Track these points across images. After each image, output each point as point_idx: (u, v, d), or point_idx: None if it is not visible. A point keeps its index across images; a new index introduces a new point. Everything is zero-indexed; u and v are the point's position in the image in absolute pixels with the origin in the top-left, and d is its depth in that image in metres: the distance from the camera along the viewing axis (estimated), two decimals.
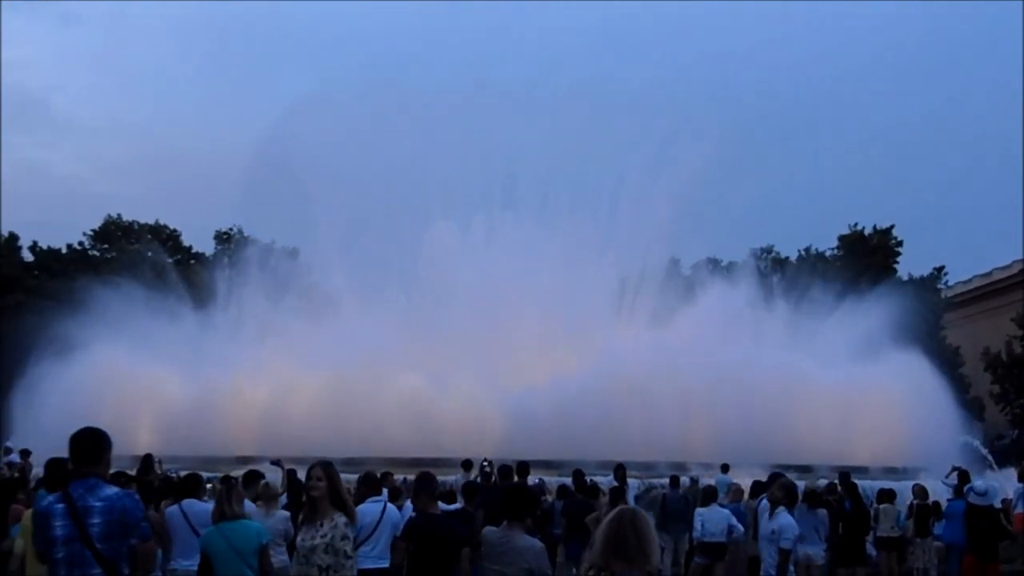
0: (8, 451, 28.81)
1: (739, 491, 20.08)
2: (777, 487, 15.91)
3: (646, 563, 5.69)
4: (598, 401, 34.22)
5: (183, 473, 15.93)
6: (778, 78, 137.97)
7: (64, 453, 7.81)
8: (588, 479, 20.32)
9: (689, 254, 67.06)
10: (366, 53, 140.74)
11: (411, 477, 16.23)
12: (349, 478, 14.30)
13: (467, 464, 23.46)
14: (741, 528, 18.13)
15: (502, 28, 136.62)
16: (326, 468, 8.34)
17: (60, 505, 6.62)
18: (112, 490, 6.69)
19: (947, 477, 22.58)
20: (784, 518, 13.62)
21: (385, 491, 13.09)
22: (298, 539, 8.27)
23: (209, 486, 15.09)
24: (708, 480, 23.19)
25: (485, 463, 21.02)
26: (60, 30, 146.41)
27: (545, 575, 8.01)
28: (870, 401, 37.23)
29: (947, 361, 55.26)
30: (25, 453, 27.66)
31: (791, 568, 17.21)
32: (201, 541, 9.37)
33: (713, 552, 17.58)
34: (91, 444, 6.83)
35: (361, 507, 11.58)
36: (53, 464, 16.05)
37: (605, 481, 22.22)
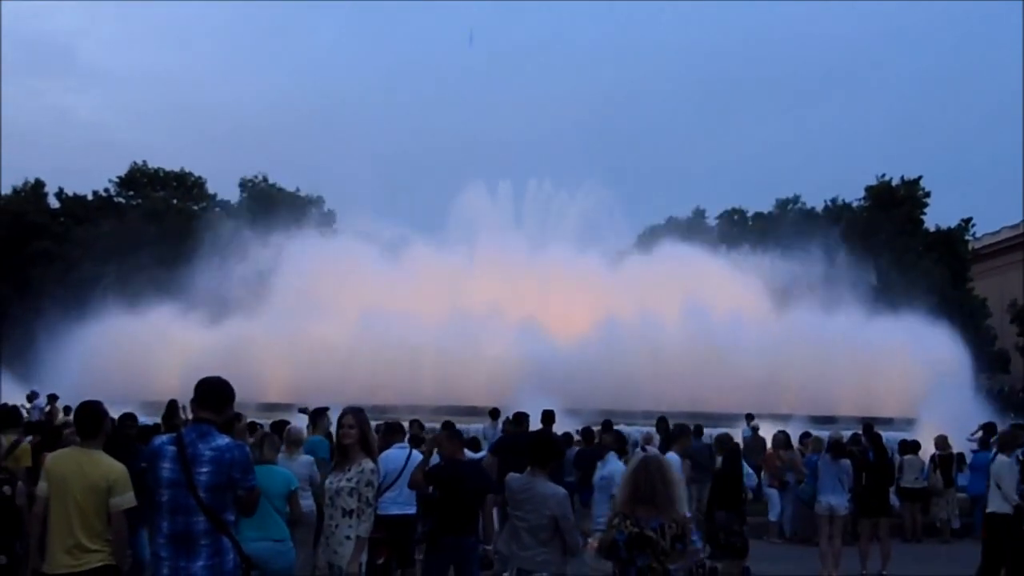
0: (35, 395, 28.98)
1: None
2: (608, 433, 16.68)
3: (672, 510, 5.69)
4: (627, 353, 34.44)
5: None
6: (806, 30, 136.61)
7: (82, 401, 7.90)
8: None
9: (714, 204, 67.05)
10: (392, 2, 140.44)
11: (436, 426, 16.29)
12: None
13: (495, 413, 23.46)
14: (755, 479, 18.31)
15: None
16: (357, 415, 8.34)
17: (171, 447, 6.60)
18: (224, 440, 6.65)
19: (972, 435, 22.49)
20: (614, 464, 13.58)
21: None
22: (327, 482, 8.32)
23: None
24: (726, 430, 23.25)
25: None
26: None
27: (568, 520, 8.03)
28: (891, 354, 37.24)
29: (974, 313, 55.00)
30: (52, 398, 27.89)
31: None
32: None
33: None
34: (212, 392, 6.81)
35: (386, 453, 11.64)
36: (170, 406, 16.23)
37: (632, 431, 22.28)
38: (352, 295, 39.33)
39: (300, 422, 15.74)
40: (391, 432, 12.73)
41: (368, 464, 8.03)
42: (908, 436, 23.49)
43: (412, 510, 11.67)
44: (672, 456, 13.64)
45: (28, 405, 27.22)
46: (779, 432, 21.99)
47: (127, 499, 7.42)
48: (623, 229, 46.69)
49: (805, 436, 22.48)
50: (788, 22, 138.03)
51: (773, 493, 21.04)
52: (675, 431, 15.00)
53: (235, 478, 6.68)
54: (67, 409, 24.89)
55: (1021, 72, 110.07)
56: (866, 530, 16.87)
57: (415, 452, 11.96)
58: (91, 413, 7.86)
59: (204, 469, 6.52)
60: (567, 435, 19.27)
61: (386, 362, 34.82)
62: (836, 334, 38.16)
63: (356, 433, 8.16)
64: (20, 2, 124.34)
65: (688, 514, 6.18)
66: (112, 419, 9.43)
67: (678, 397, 31.93)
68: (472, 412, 28.10)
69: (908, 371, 36.14)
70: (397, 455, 11.81)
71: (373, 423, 8.74)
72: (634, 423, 25.64)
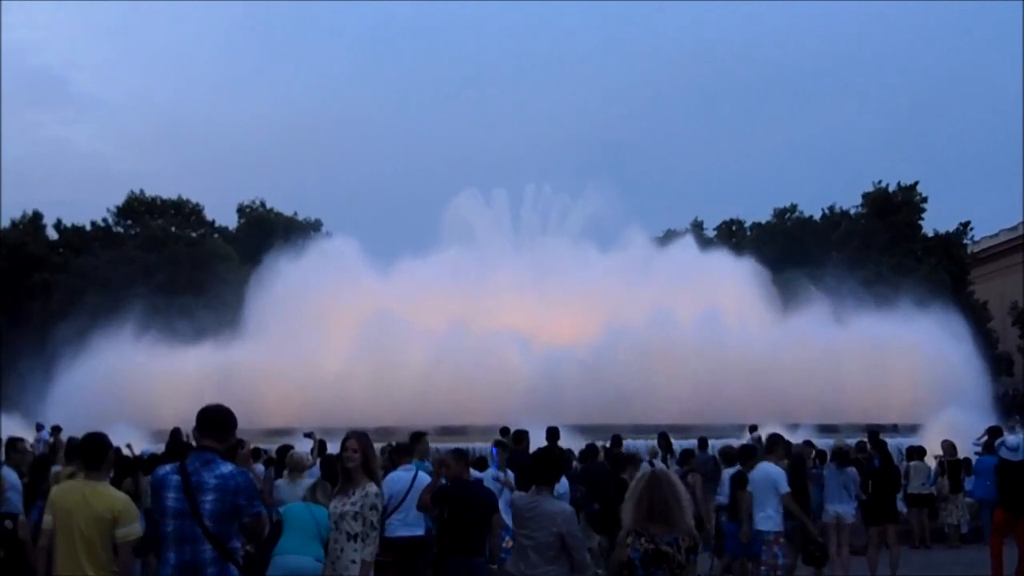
0: (41, 427, 29.03)
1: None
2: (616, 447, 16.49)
3: (683, 523, 5.69)
4: (626, 364, 34.39)
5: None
6: (800, 38, 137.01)
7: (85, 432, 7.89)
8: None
9: (712, 215, 67.17)
10: (386, 28, 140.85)
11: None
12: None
13: (505, 431, 23.42)
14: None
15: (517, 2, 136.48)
16: (360, 439, 8.34)
17: (176, 477, 6.60)
18: (227, 467, 6.65)
19: (978, 439, 22.44)
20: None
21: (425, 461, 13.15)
22: (331, 506, 8.31)
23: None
24: (729, 441, 23.21)
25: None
26: (81, 7, 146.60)
27: (576, 538, 8.01)
28: (896, 359, 37.24)
29: (975, 317, 54.95)
30: (56, 429, 27.87)
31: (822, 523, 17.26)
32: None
33: None
34: (214, 420, 6.82)
35: (391, 475, 11.61)
36: (173, 434, 16.19)
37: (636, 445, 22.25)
38: (351, 315, 39.31)
39: (304, 447, 15.73)
40: (400, 453, 12.70)
41: (372, 488, 8.02)
42: (914, 442, 23.47)
43: (420, 532, 11.64)
44: (771, 467, 13.88)
45: (34, 437, 27.24)
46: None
47: (133, 530, 7.41)
48: (627, 236, 46.49)
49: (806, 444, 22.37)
50: (782, 30, 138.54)
51: None
52: (771, 440, 14.92)
53: (240, 504, 6.67)
54: (71, 441, 24.83)
55: (1020, 75, 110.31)
56: (874, 537, 16.83)
57: (421, 473, 11.92)
58: (95, 445, 7.85)
59: (209, 497, 6.52)
60: (567, 452, 19.25)
61: (388, 383, 34.79)
62: (840, 342, 38.19)
63: (359, 457, 8.15)
64: (13, 36, 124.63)
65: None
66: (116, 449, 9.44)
67: (682, 409, 31.93)
68: (480, 432, 28.13)
69: (914, 377, 36.13)
70: (402, 476, 11.78)
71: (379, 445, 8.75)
72: (639, 437, 25.65)
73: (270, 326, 41.08)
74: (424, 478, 11.71)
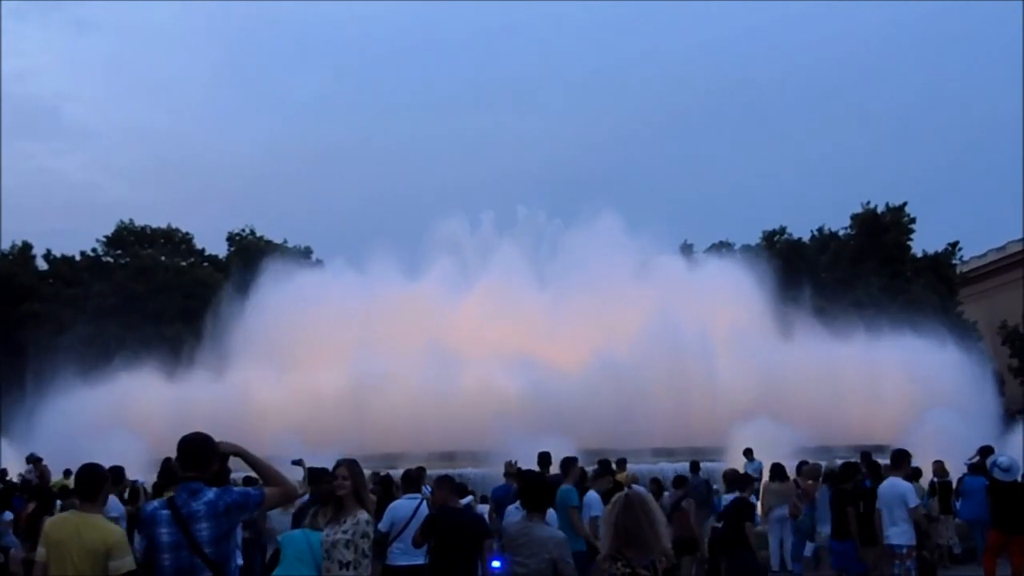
0: (39, 460, 28.76)
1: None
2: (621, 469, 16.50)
3: (659, 545, 5.70)
4: (617, 388, 34.39)
5: None
6: (785, 60, 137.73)
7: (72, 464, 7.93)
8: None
9: (701, 238, 67.33)
10: (373, 54, 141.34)
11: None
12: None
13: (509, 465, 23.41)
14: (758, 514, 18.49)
15: (502, 27, 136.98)
16: (350, 466, 8.38)
17: (165, 512, 6.59)
18: (211, 493, 6.65)
19: (970, 459, 22.47)
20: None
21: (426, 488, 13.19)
22: (323, 535, 8.33)
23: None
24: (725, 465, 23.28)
25: (512, 463, 20.89)
26: (72, 37, 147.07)
27: (568, 564, 8.02)
28: (887, 382, 37.37)
29: (965, 337, 55.04)
30: (34, 460, 27.70)
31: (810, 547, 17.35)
32: None
33: None
34: (194, 450, 6.79)
35: (396, 503, 11.63)
36: (164, 464, 16.11)
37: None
38: (342, 341, 39.32)
39: (295, 475, 15.66)
40: (408, 483, 12.74)
41: (363, 515, 8.04)
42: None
43: (420, 560, 11.61)
44: (899, 482, 14.35)
45: (25, 469, 27.09)
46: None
47: (126, 563, 7.44)
48: (620, 256, 46.49)
49: (803, 464, 22.37)
50: (769, 53, 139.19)
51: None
52: (896, 455, 15.11)
53: (237, 519, 6.74)
54: (67, 472, 24.86)
55: (1010, 97, 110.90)
56: (867, 558, 16.84)
57: (424, 504, 11.91)
58: (90, 476, 7.92)
59: (203, 525, 6.53)
60: (557, 476, 19.25)
61: (381, 408, 34.79)
62: (832, 363, 38.29)
63: (349, 484, 8.18)
64: (4, 65, 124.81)
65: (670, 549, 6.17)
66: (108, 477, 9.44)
67: (671, 431, 31.99)
68: (472, 457, 28.17)
69: (903, 398, 36.17)
70: (406, 505, 11.79)
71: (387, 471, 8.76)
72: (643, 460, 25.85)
73: (260, 354, 41.01)
74: (426, 508, 11.72)
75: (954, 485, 22.29)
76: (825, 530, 16.22)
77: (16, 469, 28.37)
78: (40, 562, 7.67)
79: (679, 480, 19.22)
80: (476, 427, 31.04)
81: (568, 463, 15.22)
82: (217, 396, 37.35)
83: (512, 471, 17.79)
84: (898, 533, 13.88)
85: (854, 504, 16.33)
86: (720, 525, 16.53)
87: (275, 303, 43.82)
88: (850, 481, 16.64)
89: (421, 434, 32.53)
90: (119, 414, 36.18)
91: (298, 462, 17.19)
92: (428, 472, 17.63)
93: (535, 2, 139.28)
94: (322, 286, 46.06)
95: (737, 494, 16.19)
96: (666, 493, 19.09)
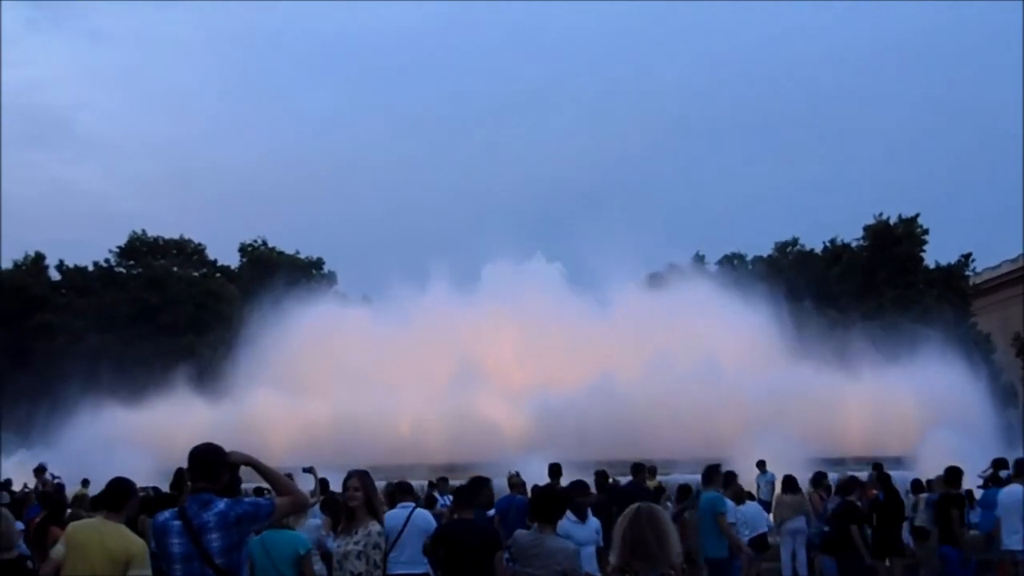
0: (42, 471, 28.85)
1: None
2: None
3: (667, 560, 5.67)
4: (633, 404, 34.53)
5: None
6: (798, 70, 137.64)
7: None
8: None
9: (713, 249, 67.28)
10: (385, 66, 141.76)
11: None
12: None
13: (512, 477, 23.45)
14: (771, 524, 18.56)
15: (514, 38, 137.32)
16: (362, 477, 8.38)
17: (176, 522, 6.56)
18: (223, 503, 6.60)
19: (983, 472, 22.36)
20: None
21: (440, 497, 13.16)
22: (335, 545, 8.33)
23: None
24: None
25: (515, 473, 20.86)
26: (85, 48, 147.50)
27: (579, 574, 8.00)
28: (899, 392, 37.37)
29: (978, 348, 54.91)
30: (40, 470, 27.80)
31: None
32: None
33: (758, 545, 17.75)
34: (204, 461, 6.76)
35: (389, 512, 11.59)
36: (177, 474, 16.13)
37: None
38: (352, 360, 39.54)
39: (306, 483, 15.61)
40: (401, 492, 12.72)
41: (375, 527, 8.05)
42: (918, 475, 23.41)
43: (420, 569, 11.56)
44: (1020, 488, 14.29)
45: (36, 480, 27.17)
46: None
47: (143, 574, 7.50)
48: (623, 274, 46.48)
49: (821, 476, 22.24)
50: (780, 65, 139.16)
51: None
52: (1020, 464, 15.29)
53: (248, 530, 6.71)
54: (85, 482, 25.01)
55: (1021, 106, 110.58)
56: (881, 571, 16.80)
57: (418, 511, 11.87)
58: (119, 489, 8.16)
59: (214, 535, 6.49)
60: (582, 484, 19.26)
61: (388, 423, 34.98)
62: (843, 378, 38.33)
63: (361, 496, 8.18)
64: (17, 75, 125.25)
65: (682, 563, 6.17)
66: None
67: (687, 443, 31.95)
68: (481, 469, 28.10)
69: (915, 411, 36.14)
70: (399, 514, 11.72)
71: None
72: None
73: (277, 370, 41.24)
74: (419, 515, 11.66)
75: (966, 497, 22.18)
76: None
77: (29, 479, 28.42)
78: (55, 559, 7.81)
79: (683, 491, 19.21)
80: (485, 444, 31.23)
81: (711, 470, 15.59)
82: (226, 409, 37.59)
83: (516, 482, 17.79)
84: (1018, 540, 14.03)
85: (863, 520, 16.39)
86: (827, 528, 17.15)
87: (295, 330, 43.97)
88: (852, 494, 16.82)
89: (431, 449, 32.76)
90: (138, 432, 36.33)
91: (309, 470, 17.13)
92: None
93: (548, 13, 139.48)
94: (340, 315, 46.37)
95: (749, 502, 16.22)
96: (668, 504, 19.17)
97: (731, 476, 16.70)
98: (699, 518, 15.13)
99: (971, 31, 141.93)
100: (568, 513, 10.84)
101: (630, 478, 18.50)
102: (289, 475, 14.40)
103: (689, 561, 17.48)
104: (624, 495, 15.29)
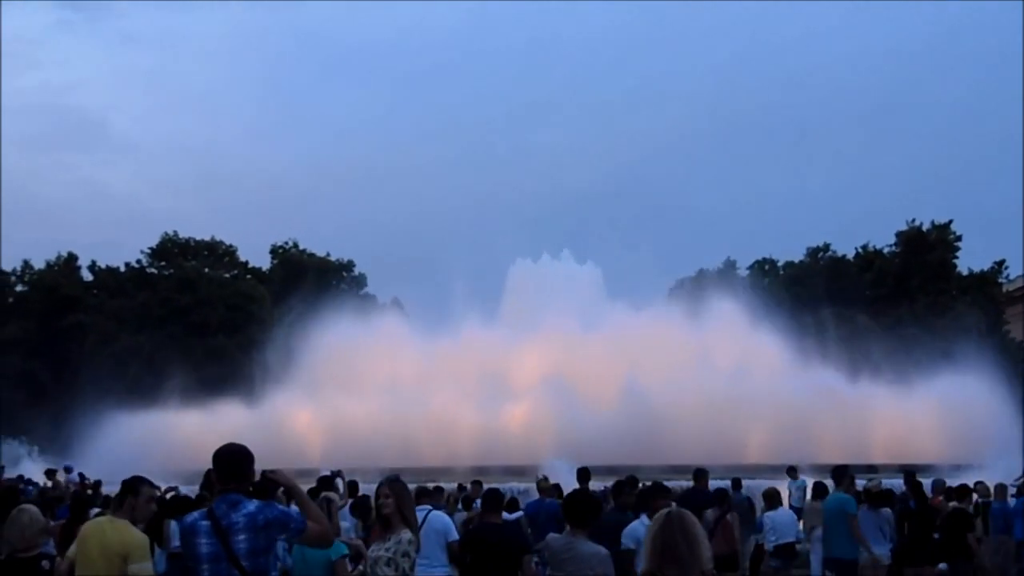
0: (68, 470, 28.97)
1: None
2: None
3: (697, 566, 5.65)
4: (661, 409, 34.53)
5: None
6: (830, 75, 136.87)
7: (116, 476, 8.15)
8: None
9: (745, 255, 66.97)
10: (417, 68, 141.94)
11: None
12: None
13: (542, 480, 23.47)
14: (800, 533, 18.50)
15: (539, 44, 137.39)
16: (393, 485, 8.39)
17: (205, 522, 6.56)
18: (253, 505, 6.61)
19: (1016, 480, 22.17)
20: None
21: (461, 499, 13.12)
22: (370, 550, 8.36)
23: None
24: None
25: (544, 477, 20.83)
26: (118, 50, 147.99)
27: None
28: (930, 399, 37.22)
29: (1011, 357, 54.47)
30: (50, 473, 27.93)
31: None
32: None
33: (786, 554, 17.66)
34: (231, 461, 6.76)
35: None
36: (207, 476, 16.23)
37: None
38: (383, 366, 39.82)
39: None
40: (420, 495, 12.74)
41: (406, 535, 8.06)
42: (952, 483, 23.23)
43: (439, 572, 11.47)
44: None
45: (64, 479, 27.34)
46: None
47: (144, 568, 7.66)
48: (651, 284, 46.51)
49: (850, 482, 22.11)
50: (813, 69, 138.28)
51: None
52: None
53: (275, 537, 6.67)
54: (98, 483, 25.14)
55: None
56: None
57: (433, 512, 11.80)
58: (122, 486, 8.33)
59: (241, 537, 6.48)
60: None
61: (421, 429, 35.18)
62: (870, 385, 38.20)
63: (393, 503, 8.20)
64: (52, 76, 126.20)
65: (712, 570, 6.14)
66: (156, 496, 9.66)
67: (715, 449, 31.91)
68: (510, 472, 28.18)
69: (949, 418, 35.97)
70: None
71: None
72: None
73: (310, 375, 41.52)
74: (435, 517, 11.58)
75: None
76: (881, 550, 16.01)
77: (62, 477, 28.59)
78: (69, 558, 8.01)
79: (720, 495, 19.11)
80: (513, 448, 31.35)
81: (840, 471, 15.70)
82: (259, 415, 37.85)
83: (546, 486, 17.77)
84: None
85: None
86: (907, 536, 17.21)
87: (326, 335, 44.19)
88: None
89: (461, 454, 32.90)
90: (168, 434, 36.58)
91: (337, 473, 17.19)
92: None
93: (576, 16, 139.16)
94: (373, 326, 46.65)
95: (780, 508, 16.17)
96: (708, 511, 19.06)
97: (852, 479, 16.67)
98: (827, 518, 15.22)
99: (1006, 33, 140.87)
100: (643, 516, 10.81)
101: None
102: (338, 473, 14.57)
103: (731, 564, 17.40)
104: (690, 500, 15.50)
